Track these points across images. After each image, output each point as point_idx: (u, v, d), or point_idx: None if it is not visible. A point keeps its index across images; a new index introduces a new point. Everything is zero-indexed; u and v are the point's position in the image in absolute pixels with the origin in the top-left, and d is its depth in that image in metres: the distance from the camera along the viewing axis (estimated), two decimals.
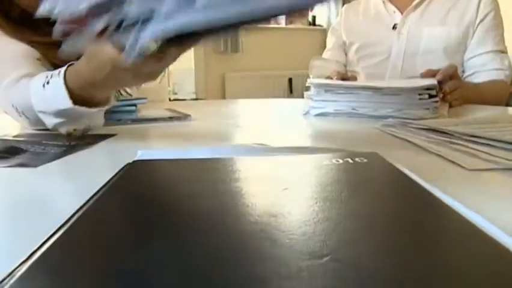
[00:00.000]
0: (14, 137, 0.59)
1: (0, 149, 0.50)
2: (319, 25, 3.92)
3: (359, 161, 0.38)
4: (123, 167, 0.37)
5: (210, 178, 0.34)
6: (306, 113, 0.82)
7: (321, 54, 1.44)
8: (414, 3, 1.16)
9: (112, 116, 0.73)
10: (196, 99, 3.33)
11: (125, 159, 0.40)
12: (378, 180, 0.33)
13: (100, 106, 0.58)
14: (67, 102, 0.55)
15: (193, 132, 0.68)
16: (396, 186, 0.32)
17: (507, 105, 1.10)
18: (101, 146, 0.55)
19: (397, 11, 1.20)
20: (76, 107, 0.55)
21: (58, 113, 0.57)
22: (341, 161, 0.38)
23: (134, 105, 0.80)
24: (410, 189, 0.31)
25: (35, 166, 0.43)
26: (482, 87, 1.03)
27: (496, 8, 1.13)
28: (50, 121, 0.58)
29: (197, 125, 0.74)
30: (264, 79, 3.68)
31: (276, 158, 0.41)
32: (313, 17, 3.90)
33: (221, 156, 0.40)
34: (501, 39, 1.12)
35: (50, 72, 0.58)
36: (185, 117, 0.75)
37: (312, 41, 3.83)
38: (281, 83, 3.78)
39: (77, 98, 0.55)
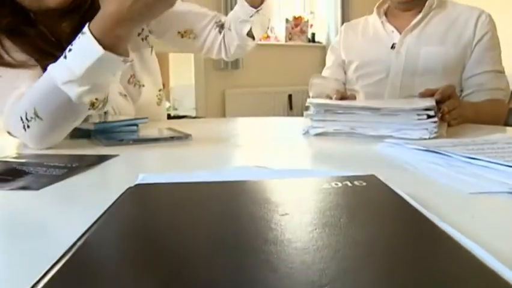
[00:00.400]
0: (15, 158, 0.59)
1: (2, 171, 0.51)
2: (318, 42, 3.96)
3: (358, 184, 0.38)
4: (125, 191, 0.38)
5: (210, 203, 0.35)
6: (306, 133, 0.83)
7: (320, 70, 1.45)
8: (412, 23, 1.18)
9: (113, 136, 0.74)
10: (196, 117, 3.35)
11: (127, 182, 0.41)
12: (376, 205, 0.34)
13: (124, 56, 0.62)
14: (97, 50, 0.59)
15: (194, 153, 0.69)
16: (394, 213, 0.32)
17: (506, 124, 1.10)
18: (103, 167, 0.55)
19: (395, 31, 1.22)
20: (106, 52, 0.59)
21: (84, 76, 0.60)
22: (340, 184, 0.38)
23: (136, 125, 0.81)
24: (408, 215, 0.31)
25: (37, 189, 0.44)
26: (481, 106, 1.04)
27: (493, 29, 1.14)
28: (75, 91, 0.61)
29: (198, 144, 0.74)
30: (264, 95, 3.70)
31: (276, 181, 0.41)
32: (313, 34, 3.94)
33: (222, 179, 0.41)
34: (498, 59, 1.14)
35: (63, 53, 0.62)
36: (186, 137, 0.76)
37: (312, 58, 3.87)
38: (281, 99, 3.80)
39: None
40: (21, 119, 0.65)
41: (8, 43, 0.75)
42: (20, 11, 0.75)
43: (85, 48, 0.60)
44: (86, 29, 0.60)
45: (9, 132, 0.72)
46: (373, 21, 1.28)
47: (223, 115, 3.61)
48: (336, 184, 0.38)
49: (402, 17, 1.21)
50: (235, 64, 3.48)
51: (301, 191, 0.38)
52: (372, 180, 0.39)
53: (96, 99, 0.63)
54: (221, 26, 0.96)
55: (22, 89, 0.69)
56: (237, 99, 3.59)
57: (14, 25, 0.74)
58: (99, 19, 0.61)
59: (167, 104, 3.56)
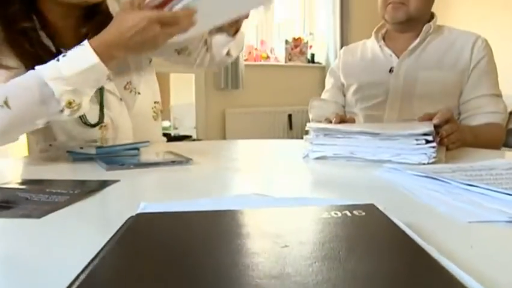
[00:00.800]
0: (16, 184, 0.60)
1: (4, 198, 0.51)
2: (318, 62, 4.01)
3: (357, 214, 0.39)
4: (126, 221, 0.38)
5: (210, 234, 0.35)
6: (306, 156, 0.83)
7: (320, 90, 1.47)
8: (410, 47, 1.20)
9: (114, 160, 0.75)
10: (196, 139, 3.36)
11: (128, 210, 0.41)
12: (375, 237, 0.34)
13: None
14: (92, 58, 0.66)
15: (194, 178, 0.69)
16: (392, 245, 0.33)
17: (505, 145, 1.11)
18: (105, 193, 0.56)
19: (393, 55, 1.23)
20: (100, 62, 0.67)
21: (72, 78, 0.66)
22: (339, 214, 0.39)
23: (137, 149, 0.82)
24: (406, 249, 0.31)
25: (38, 217, 0.44)
26: (479, 130, 1.05)
27: (490, 53, 1.16)
28: (60, 88, 0.66)
29: (198, 169, 0.75)
30: (264, 115, 3.72)
31: (276, 211, 0.42)
32: (312, 55, 3.98)
33: (222, 208, 0.41)
34: (495, 83, 1.15)
35: (57, 57, 0.68)
36: (186, 161, 0.76)
37: (311, 78, 3.90)
38: (281, 119, 3.82)
39: None
40: None
41: (3, 47, 0.78)
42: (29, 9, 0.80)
43: (80, 55, 0.67)
44: (85, 42, 0.68)
45: None
46: (371, 45, 1.30)
47: (224, 134, 3.62)
48: (336, 214, 0.39)
49: (400, 41, 1.23)
50: (235, 84, 3.51)
51: (301, 221, 0.39)
52: (371, 210, 0.40)
53: (74, 100, 0.69)
54: (207, 44, 1.07)
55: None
56: (237, 118, 3.61)
57: (17, 17, 0.78)
58: (100, 36, 0.69)
59: (168, 123, 3.58)
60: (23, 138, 1.21)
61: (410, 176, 0.62)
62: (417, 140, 0.75)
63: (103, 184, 0.59)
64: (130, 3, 0.69)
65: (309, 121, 1.31)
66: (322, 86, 1.45)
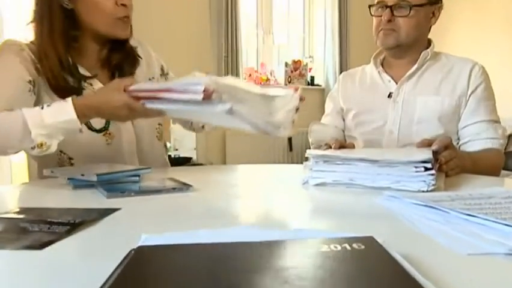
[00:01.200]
0: (17, 213, 0.60)
1: (5, 229, 0.52)
2: (317, 85, 4.04)
3: (356, 247, 0.39)
4: (128, 254, 0.39)
5: (211, 268, 0.35)
6: (305, 183, 0.84)
7: (319, 112, 1.48)
8: (408, 73, 1.22)
9: (115, 187, 0.75)
10: (195, 162, 3.36)
11: (130, 241, 0.41)
12: (374, 273, 0.34)
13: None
14: (72, 115, 0.81)
15: (195, 206, 0.70)
16: (391, 282, 0.33)
17: (504, 167, 1.11)
18: (106, 223, 0.56)
19: (392, 81, 1.25)
20: (77, 120, 0.81)
21: (49, 126, 0.81)
22: (339, 248, 0.39)
23: (138, 175, 0.82)
24: (404, 285, 0.31)
25: (40, 248, 0.44)
26: (478, 157, 1.06)
27: (487, 80, 1.18)
28: (36, 131, 0.81)
29: (199, 196, 0.75)
30: (263, 136, 3.72)
31: (276, 244, 0.42)
32: (312, 77, 4.02)
33: (222, 240, 0.41)
34: (493, 109, 1.16)
35: (43, 104, 0.83)
36: (187, 188, 0.77)
37: (311, 100, 3.93)
38: (281, 141, 3.83)
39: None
40: None
41: None
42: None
43: (62, 109, 0.81)
44: (69, 99, 0.82)
45: None
46: (370, 71, 1.32)
47: (224, 155, 3.62)
48: (336, 247, 0.39)
49: (398, 67, 1.25)
50: None
51: (301, 255, 0.39)
52: (370, 243, 0.40)
53: (45, 142, 0.83)
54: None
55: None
56: (237, 139, 3.62)
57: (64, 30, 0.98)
58: (83, 98, 0.85)
59: (168, 144, 3.59)
60: (24, 164, 1.22)
61: (410, 204, 0.63)
62: (416, 167, 0.75)
63: (104, 213, 0.59)
64: (117, 84, 0.82)
65: (309, 143, 1.32)
66: (322, 108, 1.46)
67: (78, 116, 0.81)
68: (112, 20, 1.00)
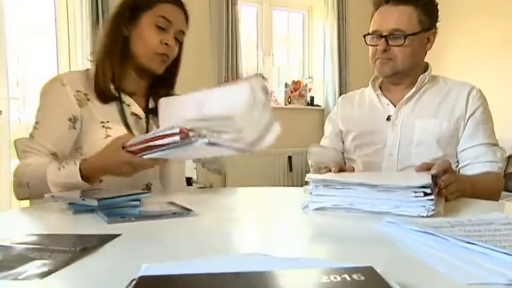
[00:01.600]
0: (18, 243, 0.59)
1: (6, 257, 0.52)
2: (317, 105, 4.07)
3: (356, 278, 0.39)
4: (129, 284, 0.39)
5: None
6: (305, 207, 0.84)
7: (319, 133, 1.49)
8: (406, 97, 1.23)
9: (115, 212, 0.75)
10: (195, 181, 3.35)
11: (130, 270, 0.42)
12: None
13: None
14: (77, 178, 0.94)
15: (195, 232, 0.70)
16: None
17: (504, 188, 1.12)
18: (106, 250, 0.56)
19: (390, 104, 1.26)
20: (83, 181, 0.94)
21: (63, 185, 0.95)
22: (338, 278, 0.39)
23: (139, 199, 0.82)
24: None
25: (41, 278, 0.44)
26: (477, 180, 1.06)
27: (484, 103, 1.19)
28: (54, 189, 0.95)
29: (199, 221, 0.75)
30: (264, 156, 3.74)
31: (276, 274, 0.42)
32: (312, 98, 4.05)
33: (221, 270, 0.41)
34: (492, 132, 1.17)
35: (62, 163, 0.98)
36: (187, 212, 0.77)
37: (311, 120, 3.95)
38: (281, 161, 3.84)
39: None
40: (19, 179, 1.03)
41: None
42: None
43: (72, 172, 0.95)
44: (78, 163, 0.96)
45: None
46: (369, 94, 1.33)
47: (224, 175, 3.62)
48: (335, 278, 0.39)
49: (396, 91, 1.26)
50: None
51: (301, 286, 0.39)
52: (370, 274, 0.40)
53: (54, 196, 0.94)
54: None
55: (33, 158, 1.05)
56: (237, 159, 3.62)
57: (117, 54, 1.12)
58: (88, 161, 0.96)
59: None
60: None
61: (409, 230, 0.63)
62: (415, 192, 0.76)
63: (105, 240, 0.59)
64: (116, 144, 0.92)
65: (308, 163, 1.33)
66: (321, 128, 1.47)
67: (84, 178, 0.94)
68: (152, 53, 1.11)
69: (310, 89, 4.04)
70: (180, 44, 1.19)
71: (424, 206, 0.75)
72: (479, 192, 0.98)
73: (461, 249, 0.53)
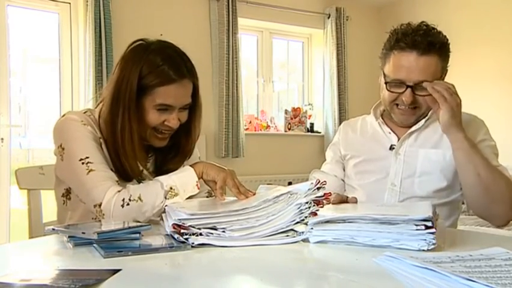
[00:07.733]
0: (16, 278, 0.59)
1: None
2: (317, 131, 4.09)
3: None
4: None
5: None
6: (305, 239, 0.84)
7: (319, 159, 1.49)
8: (409, 131, 1.23)
9: (114, 246, 0.75)
10: None
11: None
12: None
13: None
14: (195, 180, 1.05)
15: (193, 266, 0.70)
16: None
17: None
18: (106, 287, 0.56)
19: (392, 133, 1.26)
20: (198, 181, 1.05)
21: (178, 189, 1.02)
22: None
23: (139, 232, 0.82)
24: None
25: None
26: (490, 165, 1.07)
27: (488, 133, 1.20)
28: (166, 194, 1.01)
29: (196, 255, 0.75)
30: (264, 183, 3.73)
31: None
32: (311, 124, 4.07)
33: None
34: (494, 158, 1.16)
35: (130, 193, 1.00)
36: (185, 246, 0.77)
37: (311, 147, 3.97)
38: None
39: None
40: (123, 200, 0.99)
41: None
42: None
43: (187, 175, 1.04)
44: (189, 167, 1.05)
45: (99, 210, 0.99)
46: (371, 121, 1.34)
47: None
48: None
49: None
50: (236, 152, 3.55)
51: None
52: None
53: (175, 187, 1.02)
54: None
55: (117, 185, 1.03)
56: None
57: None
58: (198, 165, 1.07)
59: None
60: (25, 221, 1.22)
61: (410, 266, 0.62)
62: (416, 225, 0.76)
63: (104, 276, 0.59)
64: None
65: None
66: (321, 154, 1.47)
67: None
68: (151, 130, 1.09)
69: (310, 116, 4.07)
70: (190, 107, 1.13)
71: (425, 240, 0.74)
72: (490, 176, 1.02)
73: (462, 286, 0.53)
